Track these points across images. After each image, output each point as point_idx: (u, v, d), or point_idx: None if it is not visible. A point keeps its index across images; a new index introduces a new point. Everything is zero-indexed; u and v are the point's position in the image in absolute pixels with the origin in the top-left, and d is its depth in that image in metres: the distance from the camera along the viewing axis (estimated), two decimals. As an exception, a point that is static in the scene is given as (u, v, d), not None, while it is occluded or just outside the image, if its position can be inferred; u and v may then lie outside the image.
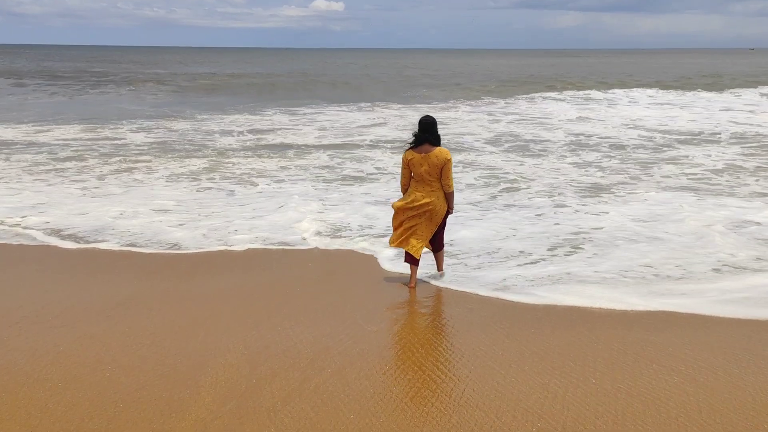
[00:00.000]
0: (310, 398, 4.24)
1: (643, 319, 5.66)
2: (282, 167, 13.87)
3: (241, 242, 8.18)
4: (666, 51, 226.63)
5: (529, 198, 10.79)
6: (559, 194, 11.00)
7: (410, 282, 6.42)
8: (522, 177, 12.63)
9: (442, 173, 5.90)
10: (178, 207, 10.14)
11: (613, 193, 11.15)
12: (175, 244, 8.12)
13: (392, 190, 11.04)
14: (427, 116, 6.02)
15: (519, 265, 7.16)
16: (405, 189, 6.15)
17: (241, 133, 19.50)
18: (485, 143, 17.47)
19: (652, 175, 12.81)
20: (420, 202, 5.98)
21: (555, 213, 9.67)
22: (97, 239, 8.33)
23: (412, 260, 6.31)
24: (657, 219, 9.16)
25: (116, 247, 8.03)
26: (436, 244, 6.48)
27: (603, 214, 9.55)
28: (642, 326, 5.47)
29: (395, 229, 6.28)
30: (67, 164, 14.01)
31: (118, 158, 14.85)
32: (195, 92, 36.74)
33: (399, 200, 6.20)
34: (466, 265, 7.15)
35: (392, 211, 6.29)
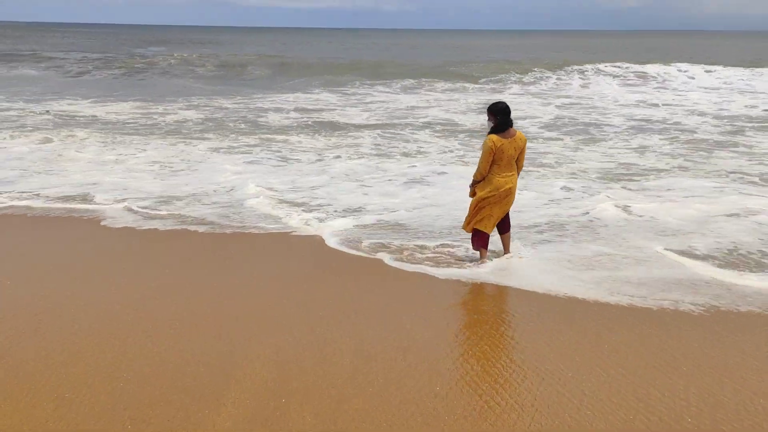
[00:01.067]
0: (346, 425, 3.61)
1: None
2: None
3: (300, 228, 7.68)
4: (735, 33, 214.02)
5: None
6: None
7: (482, 258, 6.40)
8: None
9: (521, 155, 6.10)
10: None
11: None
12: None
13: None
14: (501, 102, 6.10)
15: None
16: (484, 175, 6.10)
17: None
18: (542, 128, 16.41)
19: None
20: (504, 188, 6.06)
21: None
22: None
23: (485, 243, 6.35)
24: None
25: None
26: (504, 226, 6.44)
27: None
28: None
29: (473, 215, 6.23)
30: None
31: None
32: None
33: (481, 190, 6.14)
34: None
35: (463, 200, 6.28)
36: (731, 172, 10.96)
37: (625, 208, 8.41)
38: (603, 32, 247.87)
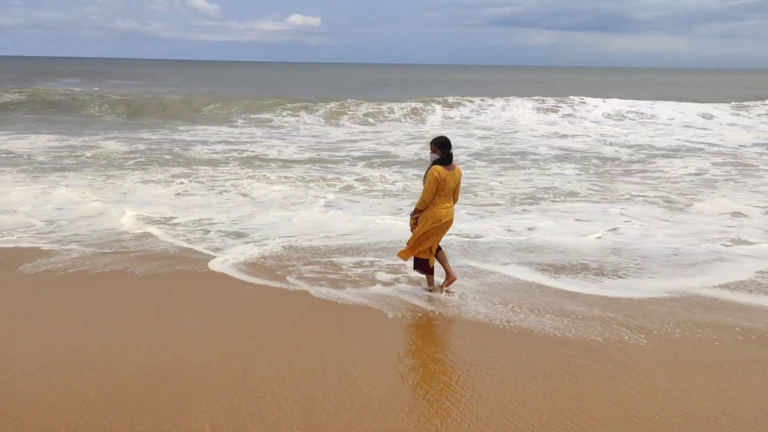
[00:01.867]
0: None
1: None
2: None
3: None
4: (636, 69, 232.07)
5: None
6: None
7: (430, 285, 6.56)
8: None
9: (457, 187, 6.30)
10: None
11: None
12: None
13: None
14: (444, 136, 6.28)
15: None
16: (428, 203, 6.19)
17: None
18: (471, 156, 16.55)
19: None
20: (445, 220, 6.21)
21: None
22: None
23: (429, 270, 6.48)
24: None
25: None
26: (436, 249, 6.50)
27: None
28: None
29: (415, 247, 6.32)
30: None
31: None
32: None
33: (424, 222, 6.20)
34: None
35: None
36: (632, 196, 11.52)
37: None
38: (518, 67, 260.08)
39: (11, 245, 8.12)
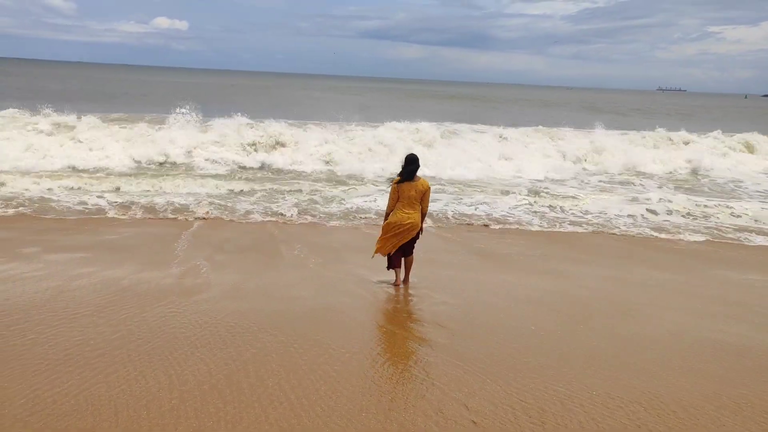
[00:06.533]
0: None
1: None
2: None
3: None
4: (498, 86, 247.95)
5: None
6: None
7: (396, 281, 7.56)
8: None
9: (423, 198, 7.28)
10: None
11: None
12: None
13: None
14: (413, 154, 7.37)
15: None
16: (391, 210, 7.35)
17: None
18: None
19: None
20: (406, 222, 7.24)
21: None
22: None
23: (398, 264, 7.54)
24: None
25: None
26: (407, 251, 7.53)
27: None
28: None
29: (384, 241, 7.37)
30: None
31: None
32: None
33: (386, 223, 7.34)
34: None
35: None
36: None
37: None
38: (387, 79, 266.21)
39: None
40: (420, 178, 7.26)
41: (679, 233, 11.51)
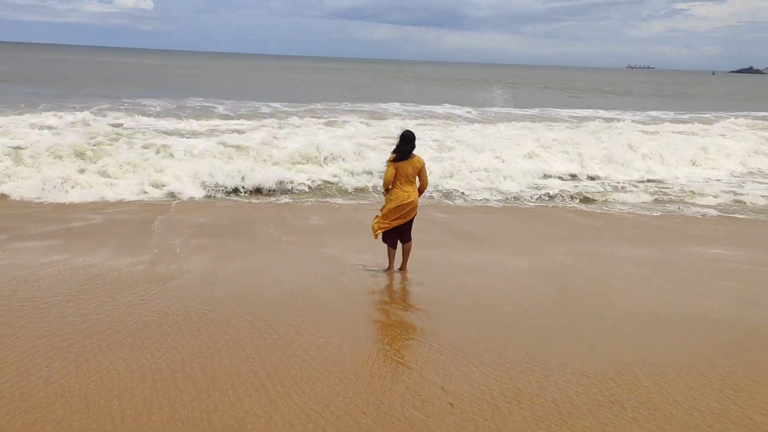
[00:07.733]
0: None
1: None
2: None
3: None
4: (471, 65, 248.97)
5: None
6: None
7: (390, 267, 7.37)
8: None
9: (420, 174, 7.17)
10: None
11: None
12: None
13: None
14: (410, 131, 7.18)
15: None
16: (389, 185, 7.12)
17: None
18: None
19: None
20: (407, 201, 7.09)
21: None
22: None
23: (392, 244, 7.33)
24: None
25: None
26: (405, 237, 7.36)
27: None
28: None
29: (385, 218, 7.16)
30: None
31: None
32: None
33: (389, 202, 7.14)
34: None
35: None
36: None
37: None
38: (358, 60, 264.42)
39: None
40: (415, 155, 7.13)
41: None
